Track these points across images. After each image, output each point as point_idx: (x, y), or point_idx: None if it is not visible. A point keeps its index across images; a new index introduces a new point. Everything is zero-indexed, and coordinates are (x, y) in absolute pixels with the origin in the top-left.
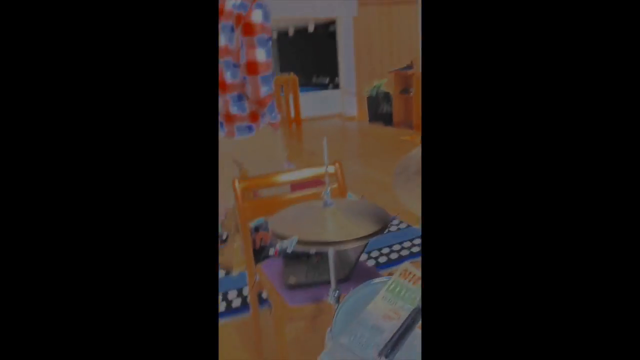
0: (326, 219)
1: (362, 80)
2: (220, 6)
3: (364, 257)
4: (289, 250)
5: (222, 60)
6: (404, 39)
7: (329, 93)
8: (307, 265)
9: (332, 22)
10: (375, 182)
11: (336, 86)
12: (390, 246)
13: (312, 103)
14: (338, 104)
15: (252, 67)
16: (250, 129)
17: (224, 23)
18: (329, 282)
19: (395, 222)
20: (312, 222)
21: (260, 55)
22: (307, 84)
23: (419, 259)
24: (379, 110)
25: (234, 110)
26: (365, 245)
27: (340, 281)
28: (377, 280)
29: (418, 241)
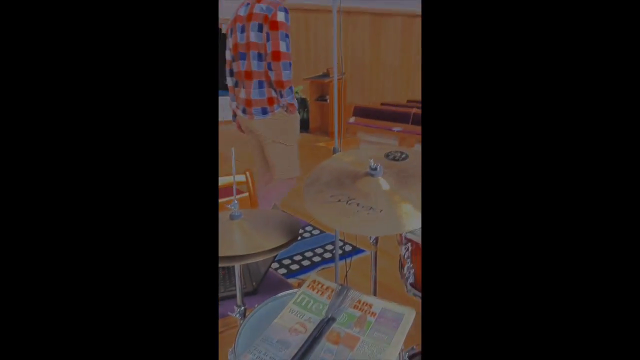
0: (233, 232)
1: None
2: (249, 10)
3: (274, 265)
4: None
5: (249, 53)
6: (320, 47)
7: None
8: None
9: None
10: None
11: None
12: (302, 253)
13: (225, 107)
14: None
15: (276, 55)
16: (265, 111)
17: (252, 23)
18: (235, 297)
19: (308, 228)
20: (219, 235)
21: (283, 46)
22: (220, 87)
23: (332, 264)
24: None
25: (255, 95)
26: (276, 255)
27: (248, 294)
28: (283, 293)
29: (330, 247)
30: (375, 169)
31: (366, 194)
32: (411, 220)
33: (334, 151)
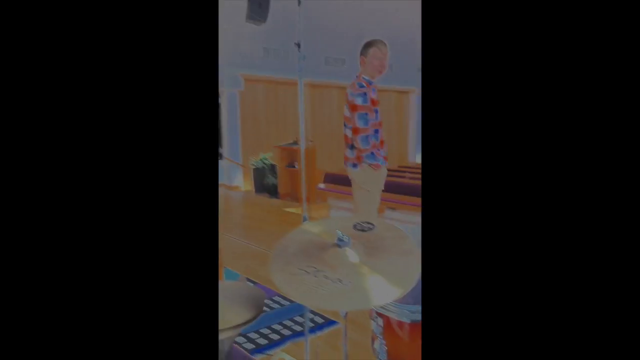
0: None
1: (247, 151)
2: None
3: (241, 339)
4: None
5: (344, 124)
6: (288, 116)
7: None
8: None
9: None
10: (256, 256)
11: (220, 156)
12: (270, 326)
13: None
14: (222, 174)
15: (355, 131)
16: (355, 166)
17: (346, 105)
18: None
19: (276, 299)
20: None
21: (359, 123)
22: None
23: (302, 338)
24: (264, 181)
25: (348, 154)
26: (239, 331)
27: None
28: None
29: (300, 319)
30: (343, 239)
31: (334, 266)
32: (381, 294)
33: (303, 219)
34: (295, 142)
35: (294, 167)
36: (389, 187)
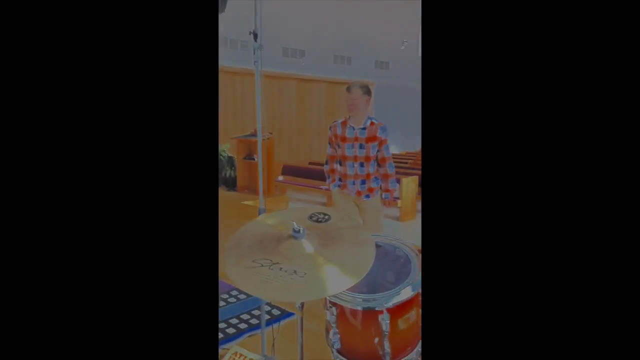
0: None
1: None
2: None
3: None
4: None
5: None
6: (247, 107)
7: None
8: None
9: None
10: None
11: None
12: (227, 320)
13: None
14: None
15: (382, 160)
16: (368, 197)
17: (372, 144)
18: None
19: (233, 292)
20: None
21: (387, 153)
22: None
23: (259, 331)
24: (222, 174)
25: (361, 189)
26: None
27: None
28: None
29: (257, 312)
30: (299, 231)
31: (289, 258)
32: (335, 283)
33: (259, 212)
34: (253, 134)
35: (252, 159)
36: (295, 172)
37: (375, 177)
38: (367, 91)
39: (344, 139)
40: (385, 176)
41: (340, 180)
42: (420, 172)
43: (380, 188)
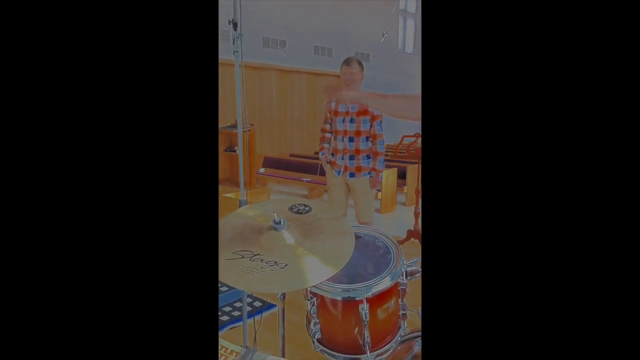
0: None
1: None
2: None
3: None
4: None
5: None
6: (227, 99)
7: None
8: None
9: None
10: None
11: None
12: None
13: None
14: None
15: (374, 137)
16: (353, 175)
17: (363, 118)
18: None
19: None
20: None
21: (379, 130)
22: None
23: (241, 323)
24: None
25: (349, 164)
26: None
27: None
28: None
29: (239, 304)
30: (279, 222)
31: (270, 249)
32: (316, 273)
33: (240, 204)
34: (234, 125)
35: (233, 151)
36: (276, 164)
37: (366, 156)
38: (362, 67)
39: (336, 113)
40: (375, 154)
41: (332, 155)
42: (398, 164)
43: (369, 171)
